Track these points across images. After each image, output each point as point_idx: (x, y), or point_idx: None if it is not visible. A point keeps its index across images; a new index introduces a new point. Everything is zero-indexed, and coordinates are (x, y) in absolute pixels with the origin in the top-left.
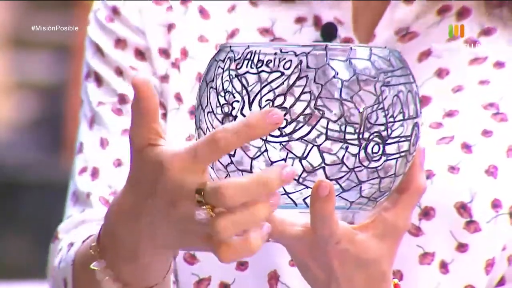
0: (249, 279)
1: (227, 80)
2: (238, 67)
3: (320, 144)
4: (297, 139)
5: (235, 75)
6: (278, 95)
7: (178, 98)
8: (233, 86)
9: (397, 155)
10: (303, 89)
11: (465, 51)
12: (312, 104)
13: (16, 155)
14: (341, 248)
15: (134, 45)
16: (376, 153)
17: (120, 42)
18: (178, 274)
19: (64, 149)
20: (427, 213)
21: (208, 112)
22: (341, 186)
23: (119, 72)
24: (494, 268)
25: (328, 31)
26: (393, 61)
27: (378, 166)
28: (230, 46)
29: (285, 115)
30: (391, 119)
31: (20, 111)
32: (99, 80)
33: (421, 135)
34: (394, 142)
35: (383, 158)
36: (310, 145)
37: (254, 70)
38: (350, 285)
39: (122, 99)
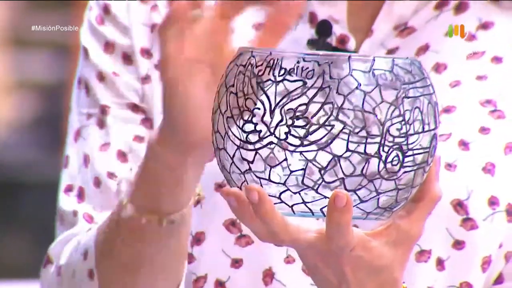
0: (244, 276)
1: (248, 86)
2: (260, 73)
3: (341, 156)
4: (318, 150)
5: (257, 82)
6: (300, 105)
7: None
8: (254, 92)
9: (416, 167)
10: (325, 99)
11: (463, 45)
12: (334, 115)
13: (16, 155)
14: (355, 255)
15: (121, 48)
16: (395, 165)
17: (108, 46)
18: None
19: (63, 149)
20: None
21: (227, 117)
22: (359, 197)
23: (102, 78)
24: (491, 266)
25: (323, 29)
26: (414, 72)
27: (397, 178)
28: (252, 51)
29: (306, 125)
30: (412, 131)
31: (20, 110)
32: (87, 88)
33: None
34: (414, 154)
35: (402, 170)
36: (330, 156)
37: (277, 78)
38: None
39: (103, 110)
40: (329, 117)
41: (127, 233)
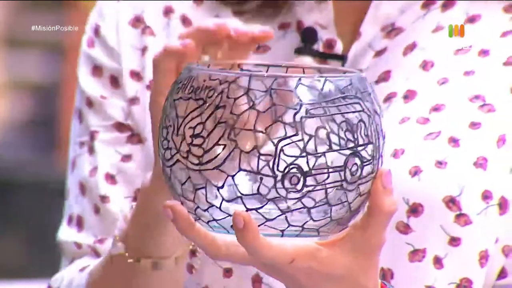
0: (235, 285)
1: (167, 103)
2: (177, 90)
3: (234, 175)
4: (212, 169)
5: (174, 99)
6: (198, 124)
7: None
8: (170, 109)
9: (327, 186)
10: (219, 119)
11: (450, 40)
12: (226, 134)
13: (10, 155)
14: (301, 266)
15: (109, 71)
16: (295, 184)
17: (97, 70)
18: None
19: (58, 149)
20: (415, 210)
21: (158, 135)
22: (263, 216)
23: (90, 103)
24: (490, 261)
25: (308, 35)
26: (326, 90)
27: (301, 197)
28: (186, 67)
29: (202, 144)
30: (313, 151)
31: (14, 111)
32: (80, 116)
33: (406, 134)
34: (319, 174)
35: (306, 188)
36: (225, 175)
37: (186, 96)
38: None
39: (92, 136)
40: (221, 137)
41: (118, 270)
